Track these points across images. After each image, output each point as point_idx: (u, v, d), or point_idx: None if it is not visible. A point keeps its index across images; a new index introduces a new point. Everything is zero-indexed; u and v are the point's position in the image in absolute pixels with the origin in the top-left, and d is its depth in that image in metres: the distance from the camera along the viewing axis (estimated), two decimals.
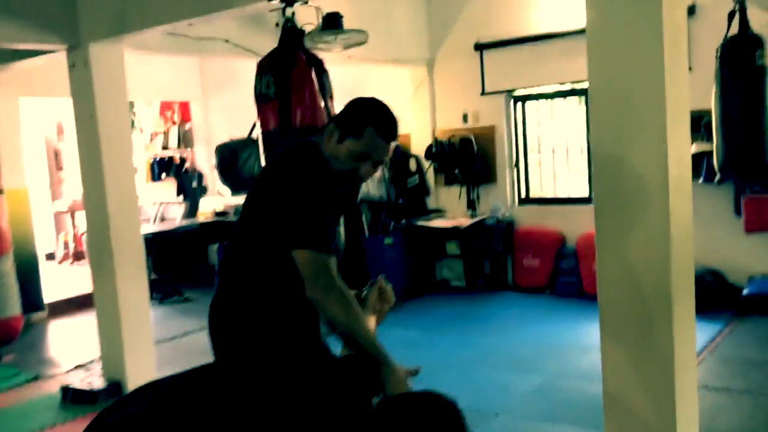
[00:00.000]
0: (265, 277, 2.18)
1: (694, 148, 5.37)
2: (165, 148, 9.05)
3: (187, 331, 5.91)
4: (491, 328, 5.42)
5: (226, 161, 5.56)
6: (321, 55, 4.18)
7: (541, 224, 6.65)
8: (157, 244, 7.79)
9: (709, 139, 5.06)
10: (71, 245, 9.76)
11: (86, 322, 6.64)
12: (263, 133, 3.74)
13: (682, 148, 2.73)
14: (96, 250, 4.50)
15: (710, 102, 4.56)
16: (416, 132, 7.21)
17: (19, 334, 5.75)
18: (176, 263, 8.01)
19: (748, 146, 4.44)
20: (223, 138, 6.94)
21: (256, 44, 4.96)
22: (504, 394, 3.98)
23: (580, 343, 4.92)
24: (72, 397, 4.42)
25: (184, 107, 8.95)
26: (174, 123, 8.99)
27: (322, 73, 3.98)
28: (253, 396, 1.60)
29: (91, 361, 5.19)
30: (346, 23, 4.86)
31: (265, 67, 3.94)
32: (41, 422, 4.10)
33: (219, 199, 8.51)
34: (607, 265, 2.75)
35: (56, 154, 10.50)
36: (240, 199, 8.44)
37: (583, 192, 6.56)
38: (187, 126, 8.96)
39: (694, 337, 2.85)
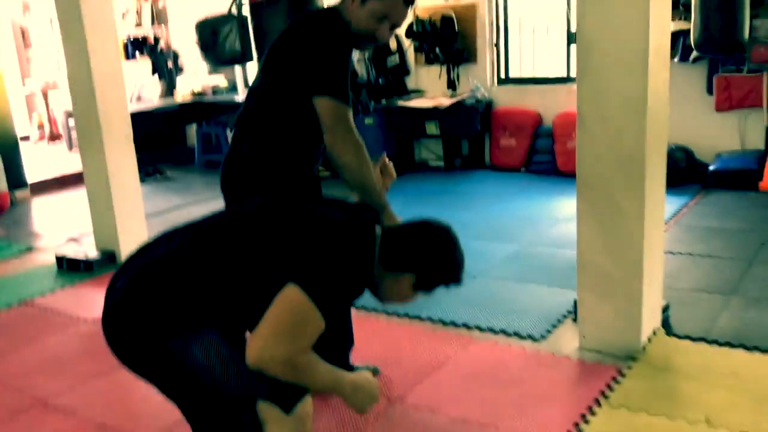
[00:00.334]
0: (281, 128, 2.33)
1: (672, 27, 5.45)
2: (138, 26, 8.82)
3: (172, 207, 6.04)
4: (469, 204, 5.63)
5: (206, 38, 5.53)
6: None
7: (519, 104, 6.76)
8: (135, 124, 7.76)
9: (687, 17, 5.14)
10: (46, 126, 9.66)
11: (69, 198, 6.75)
12: (251, 5, 3.73)
13: (662, 19, 2.83)
14: (83, 124, 4.53)
15: None
16: None
17: (7, 210, 5.83)
18: (155, 143, 8.02)
19: (724, 24, 4.53)
20: (198, 15, 6.82)
21: None
22: (481, 260, 4.23)
23: (553, 215, 5.18)
24: (68, 266, 4.59)
25: None
26: (146, 0, 8.72)
27: None
28: (276, 229, 1.77)
29: (82, 234, 5.34)
30: None
31: None
32: (40, 288, 4.28)
33: (195, 78, 8.42)
34: (586, 133, 2.89)
35: (23, 33, 10.18)
36: (219, 78, 8.38)
37: (562, 72, 6.64)
38: (161, 3, 8.71)
39: (663, 201, 3.07)
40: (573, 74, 2.79)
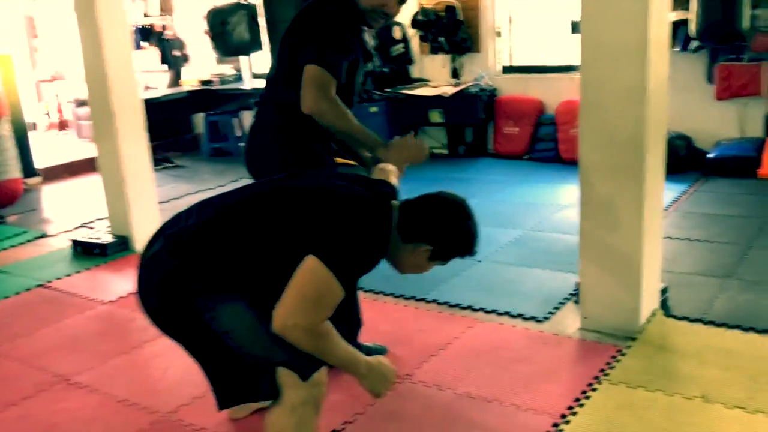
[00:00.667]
0: (293, 100, 2.46)
1: (673, 16, 5.53)
2: (145, 15, 8.90)
3: (183, 194, 6.16)
4: (472, 190, 5.72)
5: (216, 27, 5.63)
6: None
7: (523, 93, 6.85)
8: (144, 112, 7.86)
9: (688, 7, 5.22)
10: (54, 115, 9.76)
11: (80, 185, 6.86)
12: None
13: (661, 9, 2.92)
14: (97, 111, 4.63)
15: None
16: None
17: (20, 197, 5.95)
18: (163, 131, 8.10)
19: (724, 13, 4.62)
20: (204, 5, 6.91)
21: None
22: (485, 244, 4.25)
23: (555, 202, 5.28)
24: (82, 250, 4.72)
25: None
26: None
27: None
28: (297, 203, 1.89)
29: (94, 220, 5.46)
30: None
31: None
32: (56, 272, 4.40)
33: (203, 68, 8.51)
34: (588, 121, 2.99)
35: (30, 22, 10.25)
36: (227, 68, 8.48)
37: (565, 60, 6.73)
38: None
39: (662, 187, 3.17)
40: (576, 63, 2.87)
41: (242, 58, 8.08)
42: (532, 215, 5.00)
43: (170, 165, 7.59)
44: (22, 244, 5.06)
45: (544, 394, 2.69)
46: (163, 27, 8.88)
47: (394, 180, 2.43)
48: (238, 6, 5.50)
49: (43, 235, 5.24)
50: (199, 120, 8.40)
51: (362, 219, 1.84)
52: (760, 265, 3.84)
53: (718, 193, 5.22)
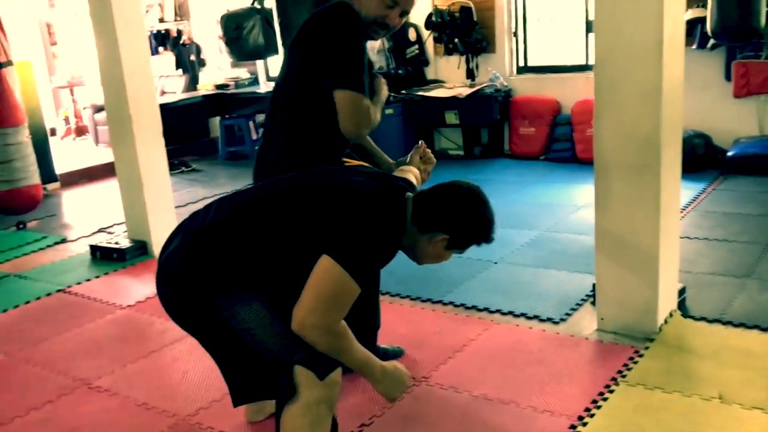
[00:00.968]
0: (308, 121, 2.45)
1: (690, 14, 5.49)
2: (161, 20, 8.99)
3: (199, 197, 6.20)
4: (488, 191, 5.61)
5: (230, 32, 5.67)
6: None
7: (538, 93, 6.83)
8: (160, 117, 7.93)
9: (705, 5, 5.18)
10: (72, 120, 9.87)
11: (98, 191, 6.94)
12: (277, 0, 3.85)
13: (676, 9, 2.91)
14: (115, 117, 4.68)
15: None
16: (416, 2, 7.20)
17: (40, 203, 6.01)
18: (179, 136, 8.18)
19: (740, 11, 4.58)
20: (220, 9, 6.96)
21: None
22: (501, 246, 4.32)
23: (572, 202, 5.26)
24: (101, 255, 4.77)
25: None
26: None
27: None
28: (310, 200, 1.90)
29: (113, 225, 5.52)
30: None
31: None
32: (76, 277, 4.46)
33: (218, 72, 8.57)
34: (604, 121, 2.98)
35: (48, 29, 10.38)
36: (242, 72, 8.54)
37: (580, 60, 6.70)
38: None
39: (678, 186, 3.15)
40: (591, 62, 2.86)
41: (258, 62, 8.13)
42: (548, 216, 4.99)
43: (187, 169, 7.65)
44: (42, 249, 5.13)
45: (561, 395, 2.69)
46: (179, 32, 8.96)
47: (413, 179, 2.42)
48: (252, 10, 5.53)
49: (63, 240, 5.31)
50: (215, 124, 8.46)
51: (376, 214, 1.84)
52: None
53: (737, 192, 5.17)
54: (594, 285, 3.27)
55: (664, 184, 2.94)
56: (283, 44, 5.23)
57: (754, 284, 3.56)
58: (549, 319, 3.34)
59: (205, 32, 8.73)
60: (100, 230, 5.48)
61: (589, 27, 6.48)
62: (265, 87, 8.02)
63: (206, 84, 8.38)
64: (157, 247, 4.37)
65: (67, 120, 10.01)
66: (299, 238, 1.84)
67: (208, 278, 1.83)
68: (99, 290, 4.21)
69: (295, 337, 1.80)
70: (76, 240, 5.31)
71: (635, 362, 2.86)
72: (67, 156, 8.13)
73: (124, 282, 4.37)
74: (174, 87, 8.87)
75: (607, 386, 2.71)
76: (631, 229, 3.02)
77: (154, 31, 9.04)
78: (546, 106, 6.73)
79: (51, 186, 6.90)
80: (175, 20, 8.93)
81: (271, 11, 6.22)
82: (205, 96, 8.05)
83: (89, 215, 6.00)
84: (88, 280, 4.40)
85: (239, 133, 8.16)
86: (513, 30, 6.96)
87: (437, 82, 7.27)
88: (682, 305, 3.27)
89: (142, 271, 4.45)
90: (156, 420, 2.74)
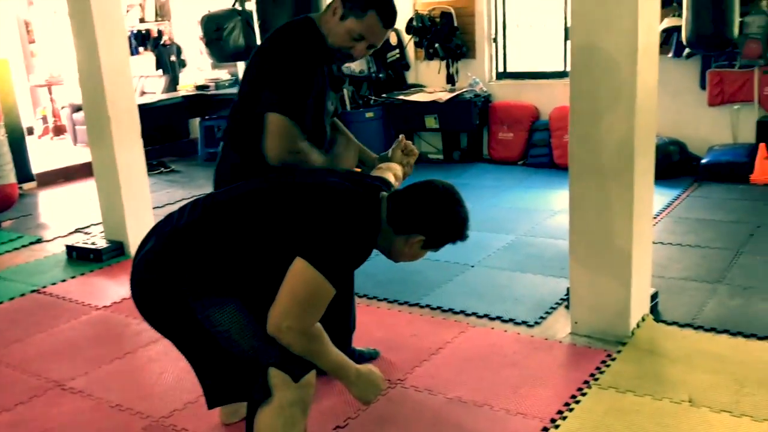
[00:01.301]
0: (256, 141, 2.35)
1: (666, 23, 5.58)
2: (142, 21, 8.94)
3: (178, 199, 6.18)
4: (467, 196, 5.63)
5: (210, 33, 5.65)
6: None
7: (517, 99, 6.88)
8: (140, 118, 7.89)
9: (681, 14, 5.26)
10: (50, 120, 9.77)
11: (75, 191, 6.88)
12: (258, 2, 3.85)
13: (651, 18, 2.96)
14: (93, 116, 4.65)
15: None
16: (397, 5, 7.23)
17: (15, 202, 5.96)
18: (159, 136, 8.14)
19: (715, 21, 4.66)
20: (201, 10, 6.93)
21: None
22: (478, 249, 4.36)
23: (548, 207, 5.32)
24: (77, 256, 4.73)
25: None
26: None
27: None
28: (282, 201, 1.90)
29: (89, 225, 5.48)
30: None
31: None
32: (51, 278, 4.42)
33: (199, 73, 8.54)
34: (579, 127, 3.02)
35: (27, 26, 10.27)
36: (222, 73, 8.49)
37: (558, 66, 6.77)
38: None
39: (651, 192, 3.20)
40: (569, 69, 2.92)
41: (239, 64, 8.11)
42: (525, 220, 5.03)
43: (165, 170, 7.61)
44: (17, 249, 5.08)
45: (535, 398, 2.72)
46: (159, 32, 8.92)
47: (392, 178, 2.42)
48: (233, 12, 5.52)
49: (39, 240, 5.26)
50: (195, 125, 8.43)
51: (349, 214, 1.84)
52: (750, 270, 3.87)
53: (710, 199, 5.26)
54: (568, 289, 3.31)
55: (637, 189, 2.98)
56: None
57: (724, 290, 3.62)
58: (524, 323, 3.37)
59: (186, 33, 8.69)
60: (77, 230, 5.43)
61: (567, 34, 6.55)
62: None
63: (186, 85, 8.35)
64: (134, 248, 4.34)
65: (45, 119, 9.90)
66: (273, 239, 1.85)
67: (182, 280, 1.84)
68: (74, 291, 4.18)
69: (269, 339, 1.80)
70: (52, 240, 5.26)
71: (608, 366, 2.90)
72: (44, 155, 8.05)
73: (100, 283, 4.34)
74: (154, 87, 8.82)
75: (580, 389, 2.75)
76: (604, 234, 3.06)
77: (135, 31, 8.99)
78: (524, 112, 6.79)
79: (27, 185, 6.83)
80: (156, 20, 8.89)
81: (251, 13, 6.22)
82: (185, 97, 8.02)
83: (66, 215, 5.95)
84: (64, 280, 4.36)
85: (219, 134, 8.13)
86: (493, 36, 7.02)
87: (417, 87, 7.30)
88: (654, 310, 3.32)
89: (119, 271, 4.42)
90: (130, 422, 2.73)
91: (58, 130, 9.65)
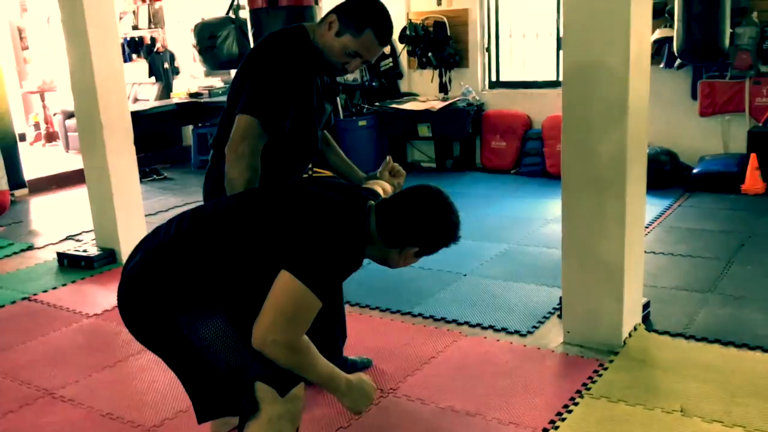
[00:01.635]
0: None
1: (657, 34, 5.62)
2: (135, 28, 8.94)
3: (170, 206, 6.16)
4: (460, 204, 5.64)
5: (204, 41, 5.66)
6: None
7: (510, 107, 6.91)
8: (132, 124, 7.87)
9: (672, 25, 5.31)
10: (42, 126, 9.75)
11: (67, 198, 6.86)
12: (251, 11, 3.86)
13: (643, 29, 2.98)
14: (85, 124, 4.64)
15: None
16: (390, 15, 7.26)
17: (7, 209, 5.92)
18: (152, 143, 8.13)
19: (706, 32, 4.70)
20: (195, 18, 6.94)
21: None
22: (471, 258, 4.37)
23: (541, 216, 5.33)
24: (69, 263, 4.71)
25: None
26: (143, 1, 8.84)
27: None
28: (268, 214, 1.89)
29: (81, 233, 5.45)
30: None
31: None
32: (42, 285, 4.39)
33: (192, 80, 8.54)
34: (571, 137, 3.04)
35: (20, 33, 10.26)
36: (216, 80, 8.50)
37: (551, 76, 6.80)
38: (157, 5, 8.83)
39: (643, 202, 3.21)
40: (562, 78, 2.95)
41: (232, 71, 8.12)
42: (518, 229, 5.04)
43: (158, 177, 7.60)
44: (8, 256, 5.05)
45: (527, 407, 2.72)
46: (153, 40, 8.92)
47: (380, 191, 2.42)
48: (227, 20, 5.53)
49: (30, 248, 5.23)
50: (188, 132, 8.42)
51: (334, 225, 1.82)
52: (740, 279, 3.89)
53: (701, 209, 5.28)
54: (561, 298, 3.32)
55: (629, 199, 3.00)
56: None
57: (716, 299, 3.64)
58: (516, 332, 3.37)
59: (180, 40, 8.70)
60: (68, 238, 5.41)
61: (560, 44, 6.59)
62: None
63: (180, 92, 8.35)
64: (126, 256, 4.33)
65: (37, 125, 9.88)
66: (258, 252, 1.82)
67: (167, 295, 1.82)
68: (65, 298, 4.16)
69: (256, 353, 1.78)
70: (43, 247, 5.24)
71: (600, 375, 2.90)
72: (36, 162, 8.02)
73: (91, 290, 4.32)
74: (147, 95, 8.82)
75: (572, 398, 2.75)
76: (597, 243, 3.07)
77: (128, 39, 9.00)
78: (517, 121, 6.82)
79: (19, 192, 6.81)
80: (150, 28, 8.89)
81: (245, 21, 6.23)
82: (178, 104, 8.02)
83: (57, 222, 5.92)
84: (55, 288, 4.34)
85: (211, 141, 8.11)
86: (485, 45, 7.05)
87: (411, 95, 7.33)
88: (646, 319, 3.33)
89: (110, 279, 4.40)
90: (121, 430, 2.71)
91: (50, 137, 9.63)
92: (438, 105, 6.81)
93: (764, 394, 2.69)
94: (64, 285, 4.39)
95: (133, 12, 8.94)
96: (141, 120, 7.93)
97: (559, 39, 6.61)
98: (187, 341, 1.83)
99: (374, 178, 2.59)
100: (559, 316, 3.39)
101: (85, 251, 4.73)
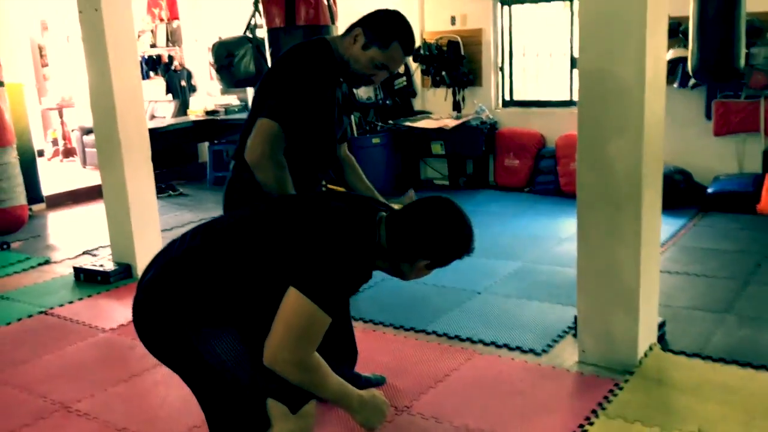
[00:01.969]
0: None
1: (671, 54, 5.63)
2: (153, 46, 9.06)
3: (186, 222, 6.21)
4: (474, 222, 5.72)
5: (221, 59, 5.72)
6: None
7: (523, 126, 6.93)
8: (150, 141, 7.96)
9: (686, 45, 5.31)
10: (60, 142, 9.86)
11: (84, 213, 6.92)
12: (269, 30, 3.91)
13: (658, 49, 2.99)
14: (104, 140, 4.70)
15: (688, 9, 4.81)
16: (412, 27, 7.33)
17: (25, 223, 6.00)
18: (168, 160, 8.19)
19: (721, 51, 4.71)
20: (212, 37, 7.04)
21: None
22: (485, 276, 4.37)
23: (556, 235, 5.32)
24: (85, 278, 4.75)
25: (172, 4, 8.90)
26: (162, 20, 8.96)
27: None
28: (277, 230, 1.89)
29: (97, 248, 5.50)
30: None
31: None
32: (59, 299, 4.43)
33: (208, 98, 8.63)
34: (586, 156, 3.04)
35: (40, 51, 10.43)
36: (232, 98, 8.59)
37: (565, 95, 6.82)
38: (175, 24, 8.95)
39: (659, 221, 3.21)
40: (576, 98, 2.95)
41: (248, 90, 8.19)
42: (532, 248, 5.03)
43: (174, 193, 7.66)
44: (25, 270, 5.10)
45: (541, 427, 2.70)
46: (170, 58, 9.04)
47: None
48: (244, 39, 5.59)
49: (47, 262, 5.28)
50: (204, 149, 8.49)
51: (341, 239, 1.79)
52: (757, 300, 3.86)
53: (716, 228, 5.26)
54: (576, 317, 3.31)
55: (645, 218, 2.99)
56: None
57: (732, 320, 3.61)
58: (531, 351, 3.36)
59: (197, 59, 8.80)
60: (85, 252, 5.46)
61: (573, 63, 6.61)
62: None
63: (196, 110, 8.42)
64: (141, 271, 4.37)
65: (55, 141, 10.00)
66: (268, 267, 1.82)
67: (179, 310, 1.82)
68: (81, 313, 4.19)
69: (267, 370, 1.77)
70: (60, 262, 5.29)
71: (615, 395, 2.89)
72: (54, 177, 8.11)
73: (107, 305, 4.35)
74: (164, 112, 8.91)
75: (587, 418, 2.73)
76: (612, 262, 3.06)
77: (146, 57, 9.11)
78: (530, 139, 6.83)
79: (37, 207, 6.88)
80: (167, 46, 9.00)
81: (263, 41, 6.31)
82: (194, 121, 8.09)
83: (74, 237, 5.98)
84: (71, 302, 4.38)
85: (228, 158, 8.18)
86: (499, 65, 7.09)
87: (424, 113, 7.36)
88: (661, 339, 3.31)
89: (126, 294, 4.44)
90: None
91: (68, 153, 9.74)
92: (451, 123, 6.84)
93: None
94: (80, 299, 4.43)
95: (152, 31, 9.06)
96: (158, 137, 8.00)
97: (572, 58, 6.63)
98: (198, 355, 1.84)
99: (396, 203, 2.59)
100: (574, 335, 3.38)
101: (101, 266, 4.77)
